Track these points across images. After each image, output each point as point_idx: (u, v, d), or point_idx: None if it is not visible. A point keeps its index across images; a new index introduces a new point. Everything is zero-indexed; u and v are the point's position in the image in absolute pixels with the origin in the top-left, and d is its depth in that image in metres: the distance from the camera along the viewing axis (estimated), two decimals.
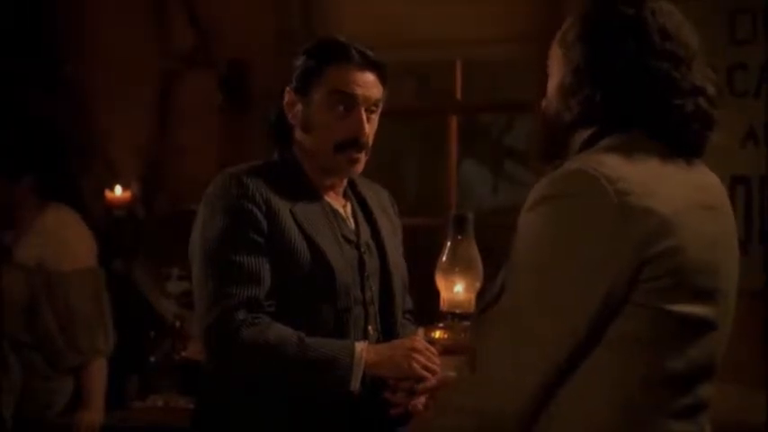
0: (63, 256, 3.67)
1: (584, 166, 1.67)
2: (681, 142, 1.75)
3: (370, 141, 2.39)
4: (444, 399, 1.86)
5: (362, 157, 2.38)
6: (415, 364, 2.22)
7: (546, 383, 1.67)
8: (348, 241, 2.39)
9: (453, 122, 5.25)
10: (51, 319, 3.62)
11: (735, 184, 4.21)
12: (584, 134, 1.78)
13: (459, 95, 5.25)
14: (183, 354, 4.32)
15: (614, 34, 1.74)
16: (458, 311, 2.38)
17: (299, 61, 2.38)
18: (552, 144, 1.85)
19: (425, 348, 2.25)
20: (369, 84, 2.35)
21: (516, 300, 1.69)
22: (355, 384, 2.20)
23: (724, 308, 1.76)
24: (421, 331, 2.44)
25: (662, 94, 1.72)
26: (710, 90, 1.76)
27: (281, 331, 2.21)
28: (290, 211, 2.30)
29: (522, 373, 1.67)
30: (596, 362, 1.67)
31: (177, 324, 4.51)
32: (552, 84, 1.84)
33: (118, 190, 5.12)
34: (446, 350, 2.30)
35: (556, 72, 1.83)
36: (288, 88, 2.39)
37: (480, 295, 2.28)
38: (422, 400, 2.20)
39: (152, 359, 4.44)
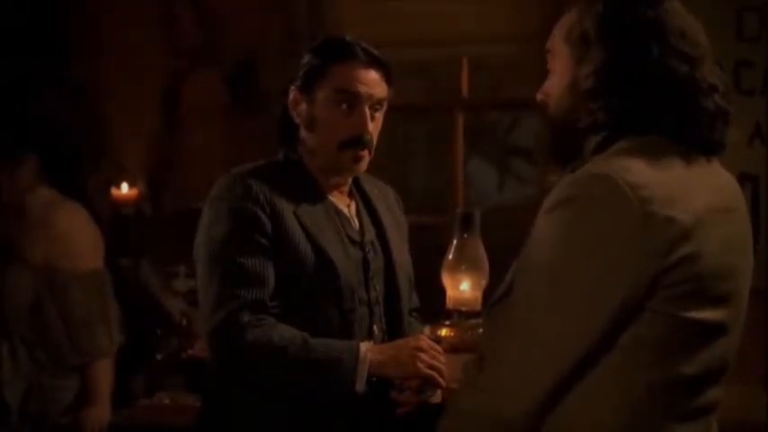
0: (69, 257, 3.66)
1: (607, 170, 1.65)
2: (705, 142, 1.73)
3: (375, 140, 2.39)
4: (452, 401, 1.84)
5: (366, 156, 2.38)
6: (419, 364, 2.21)
7: (556, 386, 1.66)
8: (352, 242, 2.39)
9: (459, 120, 5.25)
10: (55, 319, 3.62)
11: (742, 181, 4.19)
12: (598, 136, 1.76)
13: (465, 93, 5.25)
14: (190, 352, 4.32)
15: (635, 36, 1.72)
16: (464, 309, 2.38)
17: (304, 60, 2.38)
18: (565, 146, 1.82)
19: (430, 347, 2.24)
20: (373, 82, 2.35)
21: (529, 301, 1.67)
22: (360, 385, 2.20)
23: (737, 310, 1.75)
24: (427, 329, 2.44)
25: (687, 95, 1.71)
26: (722, 87, 1.76)
27: (285, 332, 2.21)
28: (294, 212, 2.30)
29: (532, 375, 1.66)
30: (606, 366, 1.66)
31: (184, 322, 4.51)
32: (558, 82, 1.80)
33: (125, 188, 5.12)
34: (452, 348, 2.31)
35: (562, 70, 1.80)
36: (292, 87, 2.39)
37: (488, 293, 2.29)
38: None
39: (159, 357, 4.44)
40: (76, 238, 3.69)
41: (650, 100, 1.71)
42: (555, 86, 1.82)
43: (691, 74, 1.71)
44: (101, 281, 3.74)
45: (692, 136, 1.72)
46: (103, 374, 3.73)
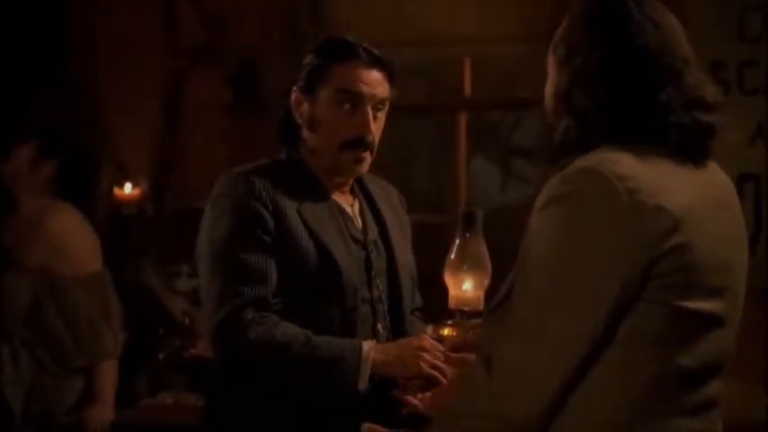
0: (67, 262, 3.65)
1: (594, 164, 1.66)
2: (682, 152, 1.74)
3: (377, 140, 2.39)
4: (457, 403, 1.81)
5: (368, 157, 2.38)
6: (422, 364, 2.21)
7: (564, 384, 1.66)
8: (355, 240, 2.39)
9: (462, 120, 5.25)
10: (57, 322, 3.62)
11: (743, 181, 4.21)
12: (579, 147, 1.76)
13: (467, 93, 5.25)
14: (193, 351, 4.32)
15: (601, 59, 1.72)
16: (466, 309, 2.38)
17: (306, 60, 2.39)
18: (556, 152, 1.82)
19: (433, 347, 2.25)
20: (375, 82, 2.35)
21: (528, 301, 1.67)
22: (363, 384, 2.20)
23: (733, 305, 1.75)
24: (429, 329, 2.44)
25: (656, 114, 1.71)
26: (708, 97, 1.75)
27: (288, 330, 2.21)
28: (297, 210, 2.31)
29: (537, 375, 1.66)
30: (607, 360, 1.66)
31: (186, 321, 4.52)
32: (548, 91, 1.83)
33: (127, 188, 5.13)
34: (454, 348, 2.31)
35: (550, 80, 1.82)
36: (295, 87, 2.39)
37: (489, 294, 2.28)
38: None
39: (161, 356, 4.44)
40: (71, 241, 3.68)
41: (610, 123, 1.72)
42: (546, 94, 1.84)
43: (654, 96, 1.71)
44: (100, 282, 3.73)
45: (668, 146, 1.72)
46: (108, 375, 3.73)
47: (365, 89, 2.33)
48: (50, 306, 3.61)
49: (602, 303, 1.63)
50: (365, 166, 2.40)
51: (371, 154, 2.39)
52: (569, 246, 1.65)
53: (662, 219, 1.63)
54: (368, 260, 2.40)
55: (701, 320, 1.69)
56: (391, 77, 2.38)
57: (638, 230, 1.62)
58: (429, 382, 2.23)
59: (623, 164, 1.66)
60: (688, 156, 1.74)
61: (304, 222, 2.30)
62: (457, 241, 2.40)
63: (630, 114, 1.71)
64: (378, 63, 2.36)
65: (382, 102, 2.37)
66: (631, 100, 1.71)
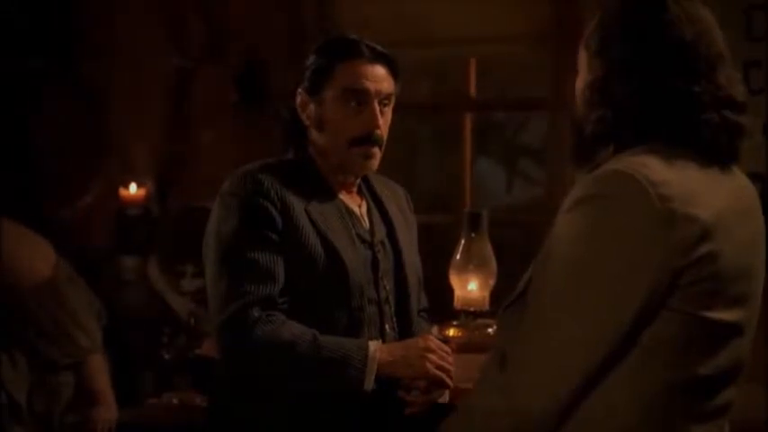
0: (20, 277, 3.63)
1: (627, 167, 1.64)
2: (711, 154, 1.72)
3: (385, 136, 2.39)
4: (467, 401, 1.81)
5: (377, 153, 2.38)
6: (428, 364, 2.22)
7: (580, 384, 1.65)
8: (362, 240, 2.39)
9: (467, 120, 5.24)
10: (26, 332, 3.62)
11: (751, 181, 4.19)
12: (609, 145, 1.75)
13: (473, 93, 5.25)
14: (198, 351, 4.31)
15: (629, 52, 1.71)
16: (471, 309, 2.39)
17: (310, 61, 2.39)
18: (583, 149, 1.81)
19: (438, 347, 2.25)
20: (380, 77, 2.35)
21: (552, 300, 1.66)
22: (369, 384, 2.20)
23: (753, 311, 1.75)
24: (435, 329, 2.44)
25: (683, 110, 1.69)
26: (739, 96, 1.74)
27: (295, 329, 2.21)
28: (305, 209, 2.31)
29: (557, 374, 1.65)
30: (624, 365, 1.65)
31: (192, 321, 4.51)
32: (577, 85, 1.81)
33: (132, 188, 5.13)
34: (460, 348, 2.31)
35: (580, 74, 1.81)
36: (300, 89, 2.39)
37: (496, 293, 2.28)
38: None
39: (166, 356, 4.44)
40: (16, 257, 3.66)
41: (644, 115, 1.71)
42: (576, 88, 1.83)
43: (688, 88, 1.69)
44: (57, 285, 3.70)
45: (693, 147, 1.71)
46: (97, 371, 3.74)
47: (371, 85, 2.33)
48: (16, 318, 3.61)
49: (627, 309, 1.62)
50: (375, 163, 2.39)
51: (380, 149, 2.38)
52: (597, 248, 1.63)
53: (692, 228, 1.62)
54: (375, 260, 2.39)
55: (723, 330, 1.68)
56: (395, 72, 2.38)
57: (668, 239, 1.61)
58: (433, 384, 2.23)
59: (655, 168, 1.64)
60: (717, 157, 1.73)
61: (312, 222, 2.30)
62: (462, 242, 2.41)
63: (662, 108, 1.70)
64: (381, 58, 2.36)
65: (388, 97, 2.37)
66: (663, 93, 1.70)
